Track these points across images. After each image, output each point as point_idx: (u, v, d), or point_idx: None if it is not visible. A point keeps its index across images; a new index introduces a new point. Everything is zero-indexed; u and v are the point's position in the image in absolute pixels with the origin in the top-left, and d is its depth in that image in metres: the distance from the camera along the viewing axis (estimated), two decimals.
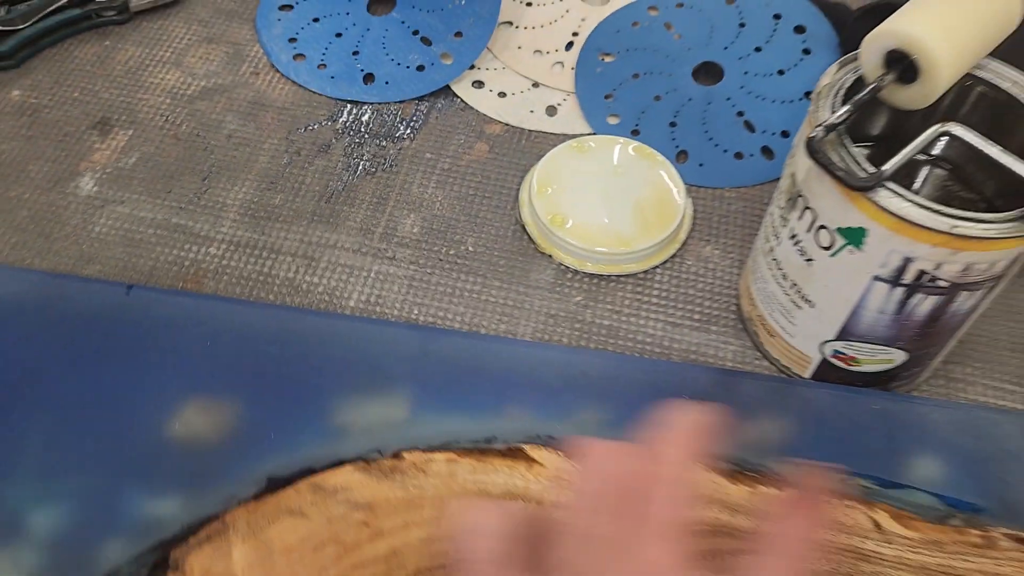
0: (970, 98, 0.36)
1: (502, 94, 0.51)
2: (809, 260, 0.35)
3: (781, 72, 0.51)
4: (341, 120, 0.50)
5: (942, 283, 0.32)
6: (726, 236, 0.45)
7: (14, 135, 0.48)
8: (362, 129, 0.49)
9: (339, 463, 0.35)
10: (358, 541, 0.32)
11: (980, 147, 0.32)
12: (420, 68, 0.51)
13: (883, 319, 0.35)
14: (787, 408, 0.37)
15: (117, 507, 0.34)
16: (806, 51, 0.51)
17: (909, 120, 0.36)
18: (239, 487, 0.34)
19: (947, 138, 0.33)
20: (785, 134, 0.48)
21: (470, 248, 0.45)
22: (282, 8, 0.54)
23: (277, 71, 0.52)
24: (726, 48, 0.52)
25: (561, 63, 0.52)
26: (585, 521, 0.23)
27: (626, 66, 0.51)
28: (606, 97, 0.50)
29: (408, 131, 0.49)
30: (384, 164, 0.48)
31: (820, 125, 0.32)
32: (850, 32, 0.51)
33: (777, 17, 0.53)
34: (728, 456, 0.35)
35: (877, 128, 0.38)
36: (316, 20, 0.54)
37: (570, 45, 0.53)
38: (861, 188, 0.31)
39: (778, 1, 0.53)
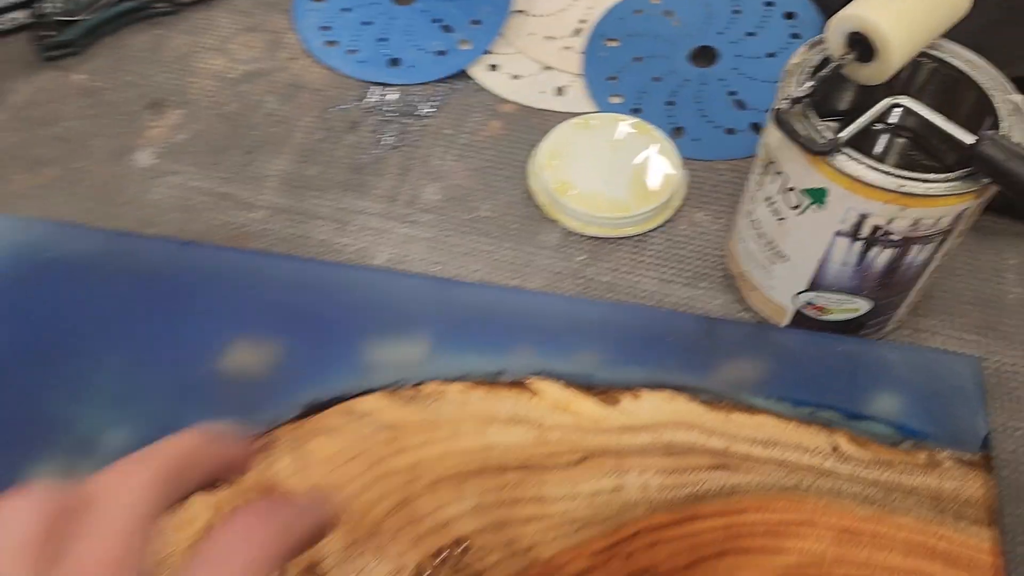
0: (926, 75, 0.40)
1: (515, 76, 0.56)
2: (781, 219, 0.40)
3: (771, 55, 0.55)
4: (369, 100, 0.55)
5: (894, 237, 0.37)
6: (717, 203, 0.50)
7: (79, 114, 0.54)
8: (388, 108, 0.54)
9: (368, 392, 0.40)
10: (384, 455, 0.38)
11: (926, 116, 0.37)
12: (441, 53, 0.56)
13: (846, 270, 0.39)
14: (763, 350, 0.41)
15: (179, 429, 0.39)
16: (795, 35, 0.55)
17: (873, 96, 0.40)
18: (282, 411, 0.39)
19: (901, 109, 0.37)
20: None
21: (484, 213, 0.50)
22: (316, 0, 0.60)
23: (311, 56, 0.57)
24: (721, 33, 0.56)
25: (569, 48, 0.57)
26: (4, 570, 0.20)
27: (629, 50, 0.56)
28: (610, 79, 0.55)
29: (429, 110, 0.54)
30: (408, 139, 0.53)
31: (786, 98, 0.37)
32: None
33: (770, 4, 0.57)
34: (708, 389, 0.40)
35: (845, 104, 0.42)
36: (347, 10, 0.59)
37: (578, 32, 0.58)
38: (820, 152, 0.36)
39: None
